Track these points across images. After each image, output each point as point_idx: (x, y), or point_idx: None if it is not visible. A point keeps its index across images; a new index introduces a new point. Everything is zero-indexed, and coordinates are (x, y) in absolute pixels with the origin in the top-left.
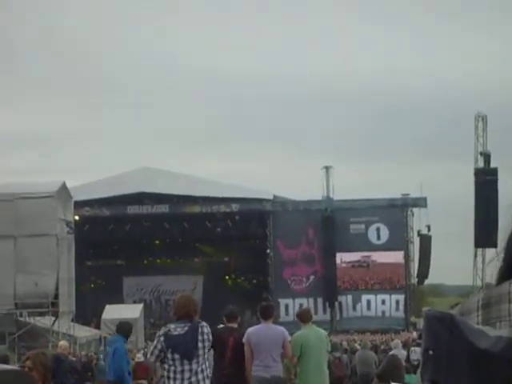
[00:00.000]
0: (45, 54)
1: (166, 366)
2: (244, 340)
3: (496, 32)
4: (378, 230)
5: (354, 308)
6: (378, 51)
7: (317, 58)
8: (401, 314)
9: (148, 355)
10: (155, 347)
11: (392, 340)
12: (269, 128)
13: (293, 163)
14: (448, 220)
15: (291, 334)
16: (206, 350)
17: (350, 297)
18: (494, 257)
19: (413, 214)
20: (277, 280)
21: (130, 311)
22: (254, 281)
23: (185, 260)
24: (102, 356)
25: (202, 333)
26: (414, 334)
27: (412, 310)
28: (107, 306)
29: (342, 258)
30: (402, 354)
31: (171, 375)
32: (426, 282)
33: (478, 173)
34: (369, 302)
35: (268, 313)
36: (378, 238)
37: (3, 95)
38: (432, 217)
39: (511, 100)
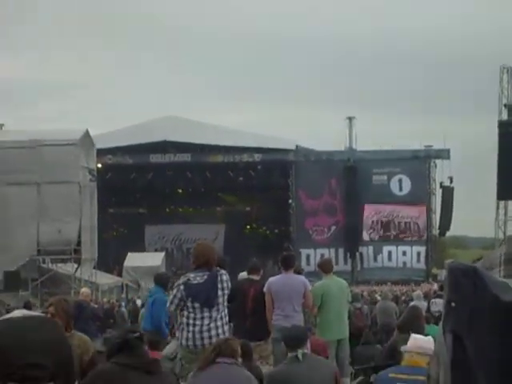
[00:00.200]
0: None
1: (186, 313)
2: (265, 289)
3: None
4: (400, 181)
5: (375, 259)
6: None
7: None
8: (422, 265)
9: (167, 304)
10: (175, 296)
11: (413, 291)
12: (294, 78)
13: (316, 113)
14: (471, 172)
15: (312, 284)
16: (226, 298)
17: (371, 248)
18: None
19: (435, 166)
20: (298, 230)
21: (152, 259)
22: (276, 231)
23: (207, 209)
24: (123, 303)
25: (222, 281)
26: (435, 286)
27: (433, 262)
28: (129, 254)
29: (365, 208)
30: (422, 305)
31: (191, 322)
32: (448, 233)
33: (502, 125)
34: (390, 253)
35: (289, 263)
36: (400, 189)
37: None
38: (455, 169)
39: None
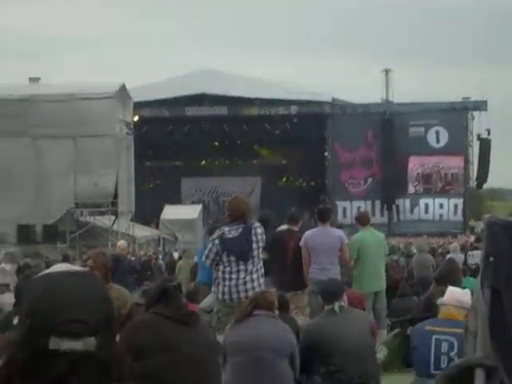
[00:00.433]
0: None
1: (221, 268)
2: (301, 244)
3: None
4: (437, 133)
5: (412, 211)
6: None
7: None
8: (459, 217)
9: (203, 258)
10: (210, 251)
11: (450, 243)
12: (330, 31)
13: (353, 66)
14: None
15: (348, 236)
16: (261, 250)
17: (407, 200)
18: None
19: (473, 118)
20: (334, 183)
21: (189, 212)
22: (312, 183)
23: (243, 162)
24: (160, 256)
25: (256, 233)
26: (472, 238)
27: (470, 214)
28: (166, 207)
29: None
30: (459, 257)
31: (226, 276)
32: (485, 186)
33: None
34: (427, 205)
35: (325, 216)
36: (438, 141)
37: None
38: (492, 120)
39: None
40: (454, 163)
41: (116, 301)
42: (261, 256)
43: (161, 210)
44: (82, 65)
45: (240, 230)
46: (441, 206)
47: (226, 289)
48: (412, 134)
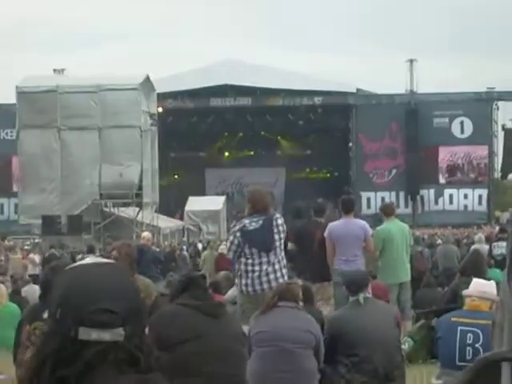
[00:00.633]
0: None
1: (243, 260)
2: (325, 235)
3: None
4: (461, 123)
5: (436, 202)
6: None
7: None
8: (483, 208)
9: (226, 251)
10: (232, 243)
11: (474, 234)
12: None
13: (377, 56)
14: None
15: (372, 227)
16: (282, 242)
17: (432, 191)
18: None
19: (498, 108)
20: (358, 173)
21: (213, 203)
22: (336, 174)
23: (267, 153)
24: (185, 247)
25: (277, 225)
26: (497, 229)
27: (495, 205)
28: (190, 198)
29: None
30: (484, 248)
31: (249, 268)
32: (510, 176)
33: None
34: (451, 196)
35: (349, 207)
36: (462, 131)
37: None
38: None
39: None
40: (478, 153)
41: (141, 292)
42: (287, 247)
43: (185, 201)
44: (107, 57)
45: (261, 221)
46: (465, 196)
47: (249, 281)
48: (436, 125)
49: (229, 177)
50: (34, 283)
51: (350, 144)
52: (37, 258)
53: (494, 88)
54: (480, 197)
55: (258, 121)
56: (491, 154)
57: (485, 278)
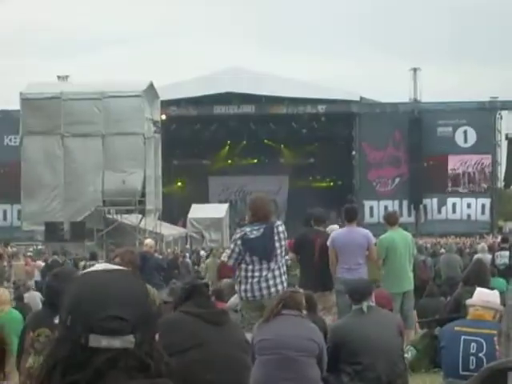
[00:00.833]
0: None
1: (244, 266)
2: (328, 243)
3: None
4: (465, 132)
5: (439, 211)
6: None
7: None
8: (486, 217)
9: (226, 258)
10: (233, 251)
11: (477, 243)
12: (358, 29)
13: (381, 65)
14: None
15: (376, 236)
16: (283, 249)
17: (435, 200)
18: None
19: (501, 117)
20: (362, 182)
21: (216, 211)
22: (339, 182)
23: (270, 161)
24: (187, 254)
25: (278, 232)
26: (499, 239)
27: (498, 214)
28: (193, 205)
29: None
30: (487, 257)
31: (249, 274)
32: None
33: None
34: (454, 205)
35: (352, 215)
36: (465, 140)
37: None
38: None
39: None
40: (481, 163)
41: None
42: (283, 254)
43: (188, 208)
44: (110, 63)
45: (262, 229)
46: (468, 205)
47: (249, 286)
48: (440, 134)
49: (232, 184)
50: (37, 289)
51: (354, 152)
52: (42, 264)
53: (497, 97)
54: (483, 206)
55: (261, 129)
56: (494, 163)
57: (488, 288)
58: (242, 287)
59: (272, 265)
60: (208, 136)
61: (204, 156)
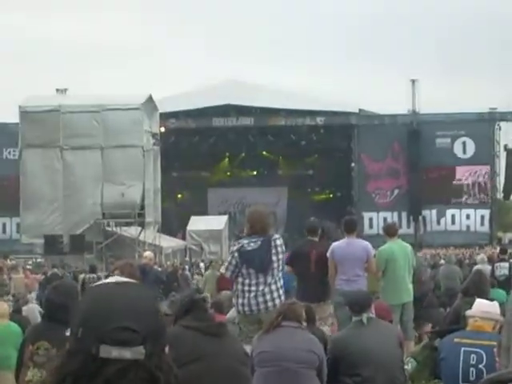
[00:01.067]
0: None
1: (241, 280)
2: (328, 255)
3: None
4: (464, 143)
5: (439, 222)
6: None
7: None
8: (486, 228)
9: (223, 271)
10: (230, 263)
11: (476, 254)
12: (357, 41)
13: (379, 76)
14: None
15: (375, 247)
16: (281, 263)
17: (434, 211)
18: None
19: (500, 128)
20: (361, 193)
21: (215, 223)
22: (338, 194)
23: (269, 173)
24: (187, 266)
25: (276, 245)
26: (498, 250)
27: (497, 225)
28: (192, 218)
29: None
30: (486, 268)
31: (246, 288)
32: None
33: None
34: (453, 216)
35: (351, 227)
36: (464, 152)
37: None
38: None
39: None
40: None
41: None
42: (281, 267)
43: (187, 220)
44: (109, 76)
45: (259, 242)
46: (467, 216)
47: (246, 301)
48: (439, 145)
49: (231, 197)
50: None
51: (353, 164)
52: (42, 277)
53: (496, 108)
54: (482, 217)
55: (260, 141)
56: (493, 174)
57: (488, 299)
58: (240, 301)
59: (269, 279)
60: (207, 148)
61: (203, 168)
